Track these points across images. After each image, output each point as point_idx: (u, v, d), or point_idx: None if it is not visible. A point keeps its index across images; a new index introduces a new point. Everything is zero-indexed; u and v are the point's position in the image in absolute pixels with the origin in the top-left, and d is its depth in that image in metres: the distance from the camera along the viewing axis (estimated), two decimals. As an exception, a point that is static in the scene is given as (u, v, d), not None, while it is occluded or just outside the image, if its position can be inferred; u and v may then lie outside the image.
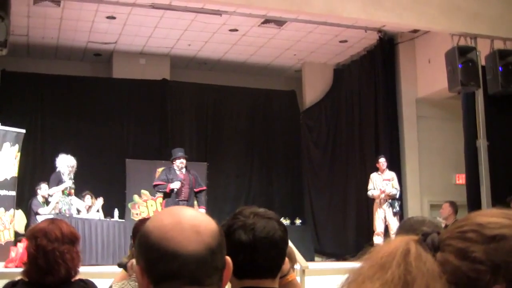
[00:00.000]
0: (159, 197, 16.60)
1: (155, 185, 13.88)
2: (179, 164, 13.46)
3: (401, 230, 3.11)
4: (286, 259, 2.85)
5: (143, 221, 4.22)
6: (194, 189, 13.52)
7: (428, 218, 2.93)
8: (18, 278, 3.84)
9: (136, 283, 4.08)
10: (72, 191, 13.57)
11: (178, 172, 13.46)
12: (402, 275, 1.37)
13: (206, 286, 1.66)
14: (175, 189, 13.23)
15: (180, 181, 13.29)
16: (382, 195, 14.29)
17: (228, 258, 1.75)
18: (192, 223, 1.67)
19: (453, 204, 12.86)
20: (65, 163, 13.41)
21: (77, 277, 3.89)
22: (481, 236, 1.43)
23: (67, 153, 13.65)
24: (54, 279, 3.69)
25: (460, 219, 1.54)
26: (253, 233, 2.39)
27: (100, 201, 14.58)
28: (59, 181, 13.30)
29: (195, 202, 13.62)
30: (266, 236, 2.42)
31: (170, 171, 13.54)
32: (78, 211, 13.93)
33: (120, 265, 4.92)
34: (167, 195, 13.42)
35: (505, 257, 1.39)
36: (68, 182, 13.29)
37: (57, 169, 13.43)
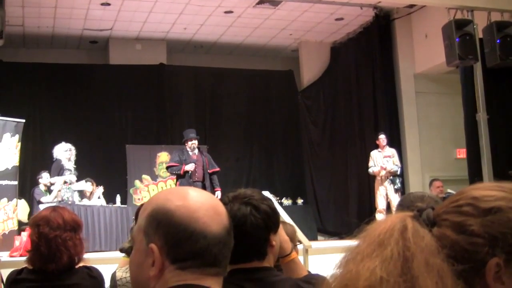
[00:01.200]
0: (169, 179, 16.66)
1: (169, 167, 13.87)
2: (191, 145, 13.47)
3: (401, 207, 3.10)
4: (287, 238, 2.85)
5: None
6: (208, 170, 13.53)
7: (428, 193, 2.92)
8: (23, 266, 3.86)
9: None
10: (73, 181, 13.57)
11: (191, 153, 13.46)
12: (401, 251, 1.37)
13: (222, 267, 1.69)
14: (190, 171, 13.24)
15: (194, 162, 13.30)
16: (383, 172, 14.29)
17: None
18: (211, 204, 1.70)
19: (440, 181, 13.07)
20: (62, 149, 13.44)
21: (81, 264, 3.90)
22: (477, 209, 1.44)
23: (66, 141, 13.68)
24: (57, 266, 3.70)
25: (456, 193, 1.54)
26: None
27: (100, 189, 14.59)
28: (60, 169, 13.31)
29: (210, 184, 13.60)
30: (236, 224, 2.40)
31: (183, 153, 13.52)
32: (81, 197, 13.96)
33: (122, 250, 4.92)
34: (181, 176, 13.40)
35: (502, 228, 1.40)
36: (71, 176, 13.31)
37: (56, 157, 13.45)
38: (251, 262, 2.50)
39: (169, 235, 1.65)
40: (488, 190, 1.48)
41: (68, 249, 3.72)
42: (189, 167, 13.23)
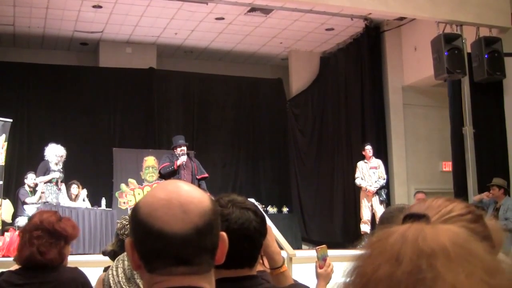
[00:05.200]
0: (155, 183, 16.54)
1: (161, 168, 13.68)
2: (180, 151, 13.39)
3: (382, 219, 3.08)
4: (279, 250, 2.86)
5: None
6: (197, 176, 13.47)
7: (408, 205, 2.92)
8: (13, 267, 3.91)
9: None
10: (60, 183, 13.54)
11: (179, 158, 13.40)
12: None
13: (195, 265, 1.65)
14: (184, 162, 13.16)
15: (184, 160, 13.24)
16: (369, 188, 14.40)
17: (223, 234, 1.74)
18: (182, 201, 1.64)
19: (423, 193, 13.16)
20: (54, 152, 13.41)
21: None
22: None
23: (53, 142, 13.65)
24: (43, 261, 3.75)
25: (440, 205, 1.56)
26: (227, 224, 2.36)
27: (84, 191, 14.55)
28: (47, 170, 13.28)
29: None
30: (239, 227, 2.40)
31: (172, 156, 13.45)
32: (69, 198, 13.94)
33: (104, 253, 4.94)
34: (174, 173, 13.26)
35: None
36: (55, 174, 13.27)
37: (45, 158, 13.42)
38: (243, 268, 2.47)
39: (134, 232, 1.67)
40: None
41: (49, 252, 3.77)
42: (182, 159, 13.17)
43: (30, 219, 3.95)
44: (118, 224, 4.85)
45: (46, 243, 3.80)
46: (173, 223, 1.61)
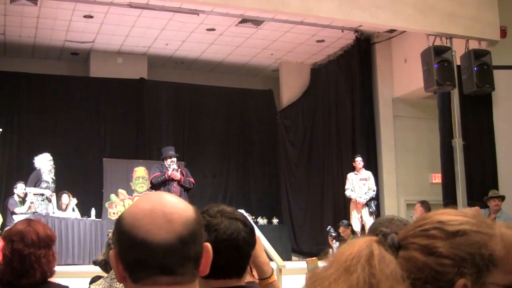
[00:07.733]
0: (146, 194, 16.49)
1: (153, 178, 13.65)
2: (170, 162, 13.41)
3: (371, 230, 3.10)
4: (268, 260, 2.87)
5: None
6: (184, 185, 13.47)
7: (397, 216, 2.94)
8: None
9: (112, 280, 4.11)
10: (53, 194, 13.53)
11: (169, 169, 13.43)
12: (367, 278, 1.40)
13: (179, 275, 1.64)
14: (175, 171, 13.19)
15: (174, 169, 13.27)
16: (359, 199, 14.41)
17: (207, 244, 1.73)
18: (166, 211, 1.64)
19: (424, 204, 12.98)
20: (45, 159, 13.38)
21: (54, 277, 3.89)
22: (444, 232, 1.50)
23: (43, 152, 13.60)
24: (29, 281, 3.69)
25: (418, 218, 1.60)
26: (216, 234, 2.38)
27: (74, 201, 14.54)
28: (38, 180, 13.24)
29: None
30: (228, 238, 2.40)
31: (162, 167, 13.48)
32: (58, 208, 13.91)
33: (95, 263, 4.94)
34: (164, 184, 13.28)
35: (469, 249, 1.47)
36: (46, 191, 13.22)
37: (37, 168, 13.37)
38: (231, 279, 2.46)
39: (118, 243, 1.66)
40: (452, 215, 1.55)
41: (41, 266, 3.70)
42: (173, 168, 13.21)
43: (21, 237, 3.79)
44: (110, 234, 4.85)
45: (51, 257, 3.78)
46: (156, 232, 1.60)
